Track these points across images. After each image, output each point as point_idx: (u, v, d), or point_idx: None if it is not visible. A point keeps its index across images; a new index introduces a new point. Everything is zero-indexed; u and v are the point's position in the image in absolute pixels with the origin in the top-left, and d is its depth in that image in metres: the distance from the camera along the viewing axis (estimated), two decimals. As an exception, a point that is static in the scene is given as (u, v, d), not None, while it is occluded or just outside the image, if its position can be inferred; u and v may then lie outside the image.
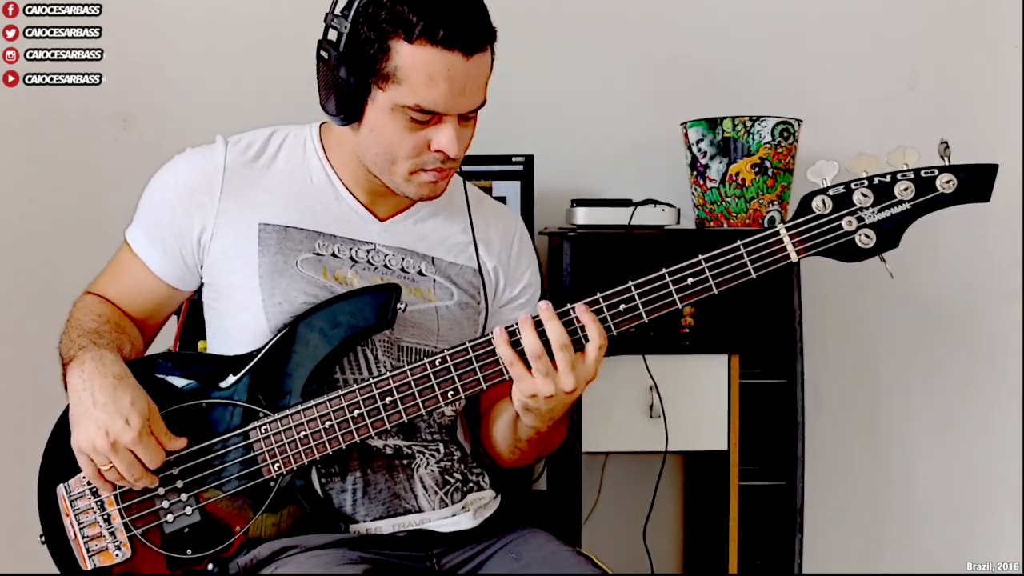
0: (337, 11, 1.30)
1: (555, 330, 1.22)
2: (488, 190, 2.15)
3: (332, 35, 1.30)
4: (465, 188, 1.50)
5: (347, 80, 1.28)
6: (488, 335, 1.29)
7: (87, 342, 1.32)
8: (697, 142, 2.20)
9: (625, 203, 2.12)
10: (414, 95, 1.26)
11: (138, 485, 1.28)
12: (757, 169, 2.15)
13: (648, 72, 2.45)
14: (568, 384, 1.23)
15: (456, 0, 1.26)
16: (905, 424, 2.57)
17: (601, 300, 1.26)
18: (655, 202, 2.13)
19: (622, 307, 1.26)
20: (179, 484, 1.31)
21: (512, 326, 1.25)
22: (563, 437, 1.43)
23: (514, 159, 2.20)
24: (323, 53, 1.31)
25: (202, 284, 1.43)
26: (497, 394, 1.43)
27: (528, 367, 1.23)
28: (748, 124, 2.15)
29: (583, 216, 2.11)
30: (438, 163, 1.33)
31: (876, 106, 2.49)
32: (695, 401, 2.08)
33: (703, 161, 2.19)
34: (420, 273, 1.43)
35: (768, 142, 2.15)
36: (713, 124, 2.18)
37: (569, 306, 1.25)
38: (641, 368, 2.05)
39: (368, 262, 1.40)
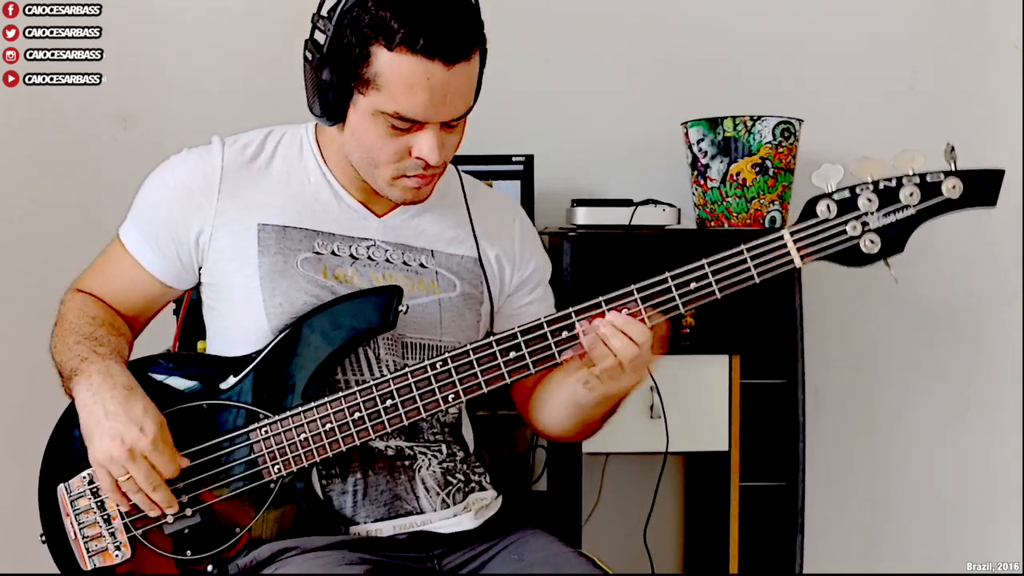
0: (323, 12, 1.29)
1: (639, 331, 1.23)
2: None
3: (317, 37, 1.30)
4: (461, 179, 1.49)
5: (330, 82, 1.28)
6: (489, 337, 1.29)
7: (88, 351, 1.31)
8: (698, 142, 2.20)
9: (625, 203, 2.12)
10: (393, 102, 1.25)
11: (156, 496, 1.27)
12: (758, 169, 2.15)
13: (648, 72, 2.45)
14: (638, 376, 1.27)
15: (440, 8, 1.24)
16: (905, 424, 2.57)
17: (603, 304, 1.26)
18: (655, 202, 2.13)
19: (624, 311, 1.26)
20: (179, 485, 1.31)
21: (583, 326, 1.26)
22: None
23: (514, 159, 2.20)
24: (308, 54, 1.31)
25: (199, 283, 1.43)
26: (534, 383, 1.44)
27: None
28: (749, 124, 2.15)
29: (583, 216, 2.11)
30: (419, 169, 1.32)
31: (876, 106, 2.49)
32: (696, 402, 2.08)
33: (704, 161, 2.19)
34: (422, 265, 1.42)
35: (769, 142, 2.14)
36: (714, 124, 2.18)
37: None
38: (641, 368, 2.04)
39: (369, 258, 1.40)
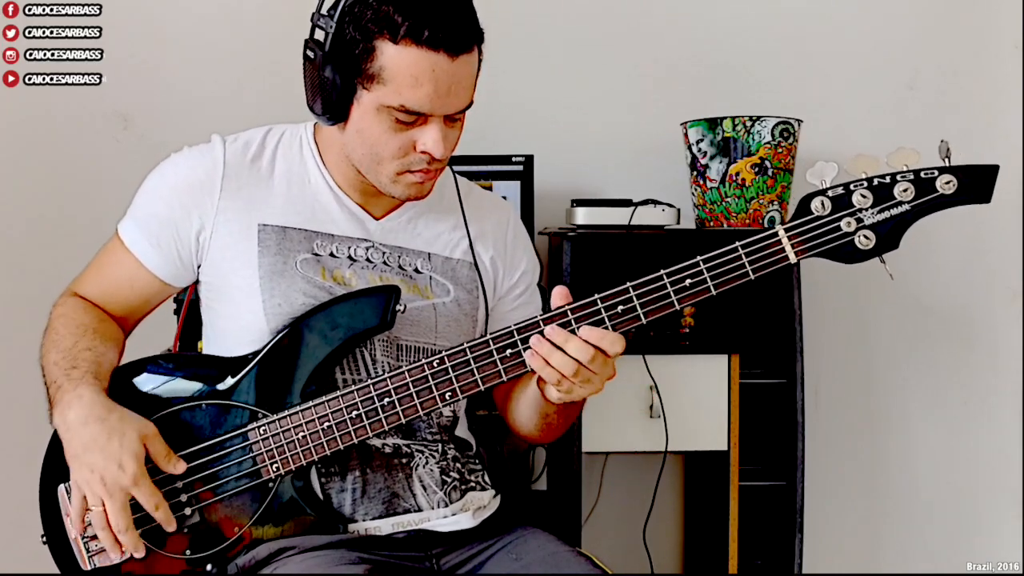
0: (323, 11, 1.30)
1: (579, 348, 1.22)
2: (488, 190, 2.15)
3: (318, 35, 1.30)
4: (456, 181, 1.50)
5: (332, 80, 1.28)
6: (486, 336, 1.29)
7: (62, 378, 1.30)
8: (697, 142, 2.20)
9: (625, 203, 2.12)
10: (399, 96, 1.26)
11: (123, 537, 1.26)
12: (757, 169, 2.15)
13: (648, 72, 2.45)
14: (600, 383, 1.26)
15: (442, 0, 1.26)
16: (905, 424, 2.57)
17: (599, 301, 1.26)
18: (655, 202, 2.13)
19: (620, 308, 1.25)
20: (179, 485, 1.31)
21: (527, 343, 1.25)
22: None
23: (514, 159, 2.20)
24: (309, 53, 1.31)
25: (197, 282, 1.43)
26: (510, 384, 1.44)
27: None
28: (748, 124, 2.15)
29: (583, 216, 2.11)
30: (424, 164, 1.33)
31: (876, 106, 2.49)
32: (695, 401, 2.09)
33: (703, 161, 2.19)
34: (416, 270, 1.43)
35: (768, 142, 2.15)
36: (713, 124, 2.18)
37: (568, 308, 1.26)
38: (641, 368, 2.05)
39: (367, 260, 1.40)
